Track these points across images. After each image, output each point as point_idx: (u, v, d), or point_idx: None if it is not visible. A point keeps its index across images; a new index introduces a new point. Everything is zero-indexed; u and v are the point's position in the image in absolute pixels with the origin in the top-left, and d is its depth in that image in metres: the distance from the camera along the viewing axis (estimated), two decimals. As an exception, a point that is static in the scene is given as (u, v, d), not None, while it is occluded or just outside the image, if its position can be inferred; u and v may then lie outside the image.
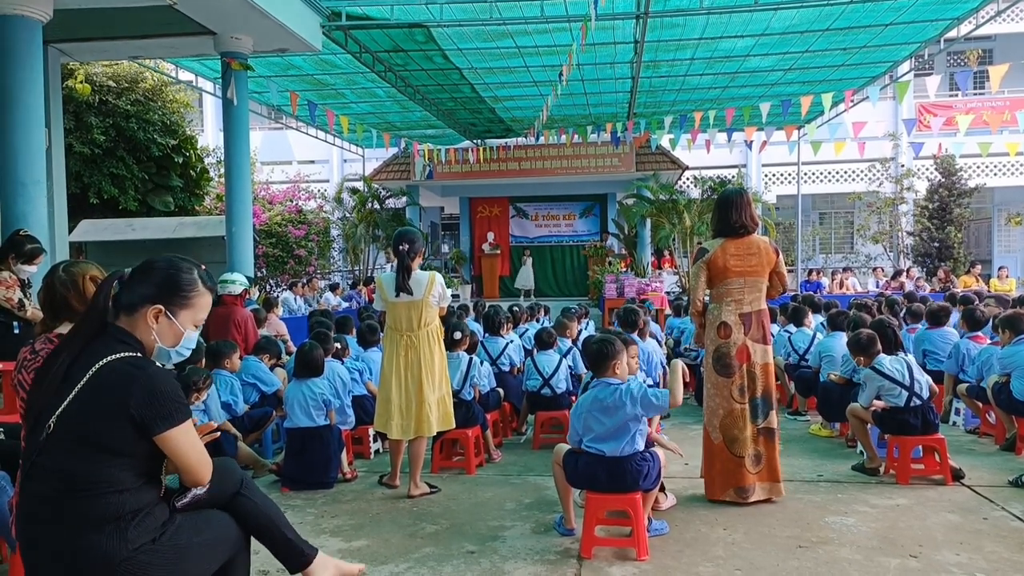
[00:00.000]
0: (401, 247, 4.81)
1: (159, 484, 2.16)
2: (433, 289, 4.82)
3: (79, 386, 2.01)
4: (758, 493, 4.49)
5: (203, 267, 2.31)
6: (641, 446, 3.76)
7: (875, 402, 5.08)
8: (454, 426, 5.04)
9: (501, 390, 6.30)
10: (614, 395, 3.76)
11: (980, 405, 6.17)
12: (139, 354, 2.12)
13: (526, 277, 19.20)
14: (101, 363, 2.03)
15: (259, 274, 13.28)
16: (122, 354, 2.07)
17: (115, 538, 2.00)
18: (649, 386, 4.04)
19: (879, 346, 5.16)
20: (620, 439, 3.72)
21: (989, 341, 6.38)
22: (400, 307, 4.82)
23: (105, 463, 2.01)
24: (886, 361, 5.04)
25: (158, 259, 2.26)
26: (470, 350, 5.92)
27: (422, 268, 4.97)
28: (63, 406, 2.00)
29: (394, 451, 5.01)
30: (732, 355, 4.50)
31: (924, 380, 5.02)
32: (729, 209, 4.53)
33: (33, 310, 5.27)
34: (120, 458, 2.03)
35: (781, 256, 4.60)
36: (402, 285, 4.77)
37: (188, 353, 2.30)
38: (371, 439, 5.97)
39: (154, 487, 2.14)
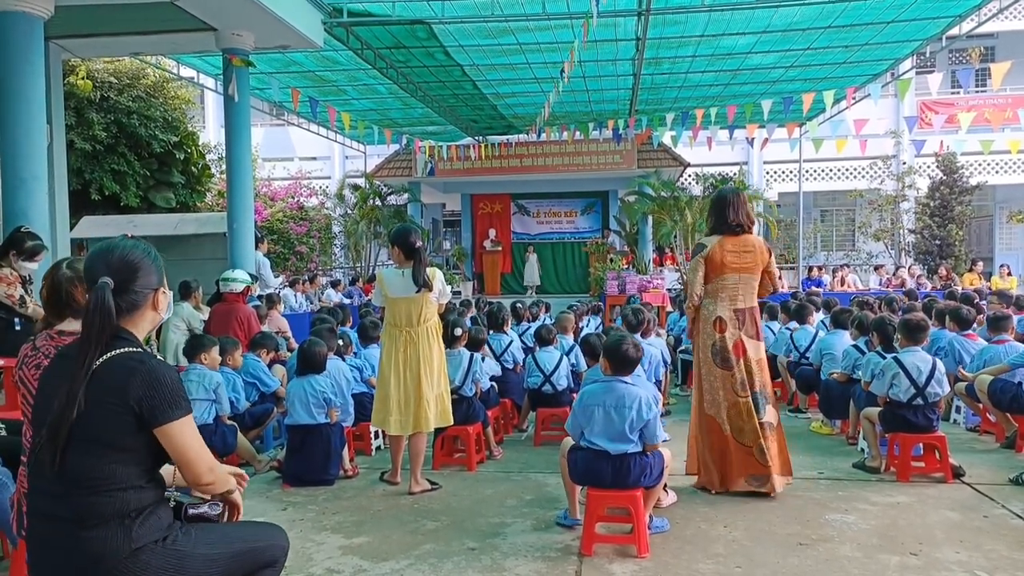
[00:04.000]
0: (418, 243, 4.82)
1: (162, 485, 2.16)
2: (434, 285, 4.83)
3: (82, 388, 2.01)
4: (775, 482, 4.52)
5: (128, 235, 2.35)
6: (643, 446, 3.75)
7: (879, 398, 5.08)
8: (452, 422, 5.04)
9: (496, 386, 6.29)
10: (626, 395, 3.74)
11: (980, 404, 6.15)
12: (139, 349, 2.13)
13: (532, 273, 19.21)
14: (100, 361, 2.04)
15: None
16: (121, 349, 2.08)
17: (120, 535, 2.01)
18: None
19: (925, 334, 5.24)
20: (625, 440, 3.71)
21: (983, 341, 6.35)
22: (400, 303, 4.82)
23: (109, 459, 2.02)
24: (910, 356, 5.01)
25: (121, 252, 2.18)
26: (478, 347, 5.93)
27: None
28: (68, 412, 2.00)
29: (394, 448, 5.01)
30: (729, 349, 4.58)
31: (942, 390, 4.96)
32: (726, 207, 4.61)
33: (34, 306, 5.28)
34: (123, 453, 2.03)
35: (773, 256, 4.72)
36: (426, 281, 4.76)
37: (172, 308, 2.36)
38: (372, 436, 5.97)
39: (158, 487, 2.14)
